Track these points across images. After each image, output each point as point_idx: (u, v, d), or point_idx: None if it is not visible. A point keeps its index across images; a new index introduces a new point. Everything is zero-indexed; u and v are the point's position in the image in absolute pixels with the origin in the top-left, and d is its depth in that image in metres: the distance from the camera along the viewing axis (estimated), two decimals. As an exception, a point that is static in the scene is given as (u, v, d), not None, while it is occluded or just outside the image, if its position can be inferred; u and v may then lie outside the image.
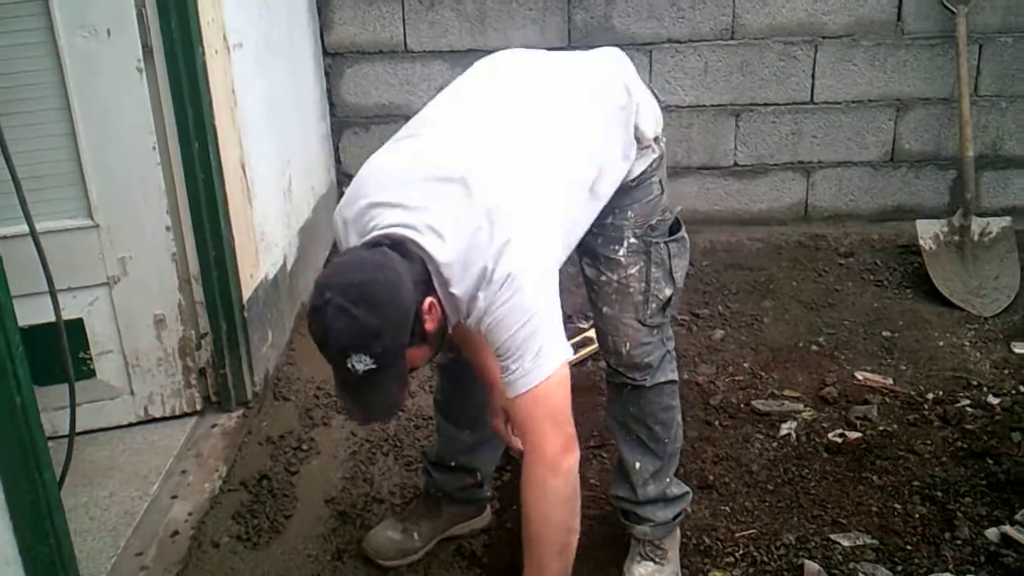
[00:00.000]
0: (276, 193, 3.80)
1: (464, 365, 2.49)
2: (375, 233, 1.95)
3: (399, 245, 1.90)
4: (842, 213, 4.94)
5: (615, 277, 2.35)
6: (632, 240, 2.33)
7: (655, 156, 2.33)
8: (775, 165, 4.89)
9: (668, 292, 2.36)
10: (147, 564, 2.57)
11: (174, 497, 2.86)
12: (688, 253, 2.42)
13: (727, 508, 2.86)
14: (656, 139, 2.32)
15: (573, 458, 2.02)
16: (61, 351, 2.34)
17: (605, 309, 2.38)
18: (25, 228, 2.22)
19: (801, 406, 3.36)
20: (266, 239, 3.58)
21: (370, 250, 1.90)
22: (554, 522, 2.07)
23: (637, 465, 2.52)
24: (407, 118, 2.27)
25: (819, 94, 4.76)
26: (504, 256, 1.90)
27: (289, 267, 3.93)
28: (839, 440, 3.14)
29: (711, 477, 2.99)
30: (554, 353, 1.96)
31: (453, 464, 2.70)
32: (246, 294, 3.29)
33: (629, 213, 2.32)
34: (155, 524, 2.73)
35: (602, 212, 2.28)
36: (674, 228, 2.40)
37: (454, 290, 1.94)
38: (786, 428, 3.23)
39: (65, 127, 2.84)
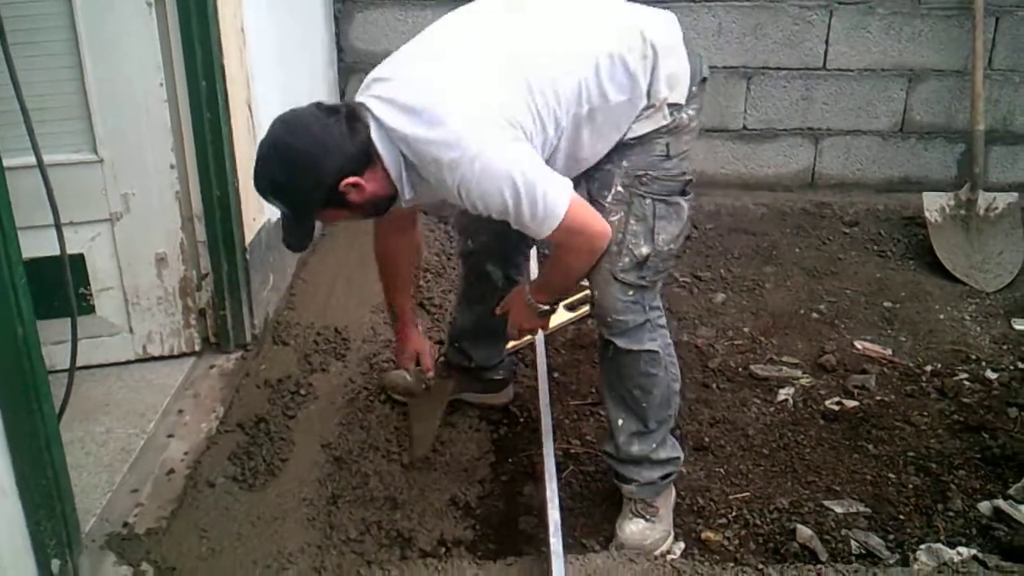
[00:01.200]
0: (282, 136, 3.75)
1: (482, 259, 2.84)
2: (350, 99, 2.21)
3: (354, 114, 2.14)
4: (849, 182, 4.92)
5: None
6: (619, 188, 2.35)
7: (665, 123, 2.31)
8: (784, 130, 4.85)
9: (644, 250, 2.34)
10: (142, 501, 2.58)
11: (170, 436, 2.86)
12: (681, 222, 2.39)
13: (721, 470, 2.87)
14: (672, 105, 2.30)
15: (607, 235, 2.29)
16: (64, 285, 2.33)
17: None
18: (29, 160, 2.20)
19: (799, 372, 3.36)
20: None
21: (319, 114, 2.13)
22: (578, 269, 2.40)
23: (620, 422, 2.53)
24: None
25: (832, 60, 4.72)
26: (460, 146, 2.07)
27: (292, 211, 3.90)
28: (836, 408, 3.15)
29: (707, 439, 3.00)
30: (558, 187, 2.15)
31: (456, 345, 3.05)
32: (248, 236, 3.28)
33: (624, 163, 2.34)
34: (151, 462, 2.73)
35: (601, 159, 2.37)
36: (673, 192, 2.38)
37: (414, 161, 2.16)
38: (783, 394, 3.23)
39: (72, 59, 2.80)
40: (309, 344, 3.44)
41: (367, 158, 2.15)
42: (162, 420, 2.92)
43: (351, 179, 2.13)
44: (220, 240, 3.14)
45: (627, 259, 2.34)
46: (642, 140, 2.33)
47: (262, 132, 2.17)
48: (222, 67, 3.00)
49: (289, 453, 2.86)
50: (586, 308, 3.56)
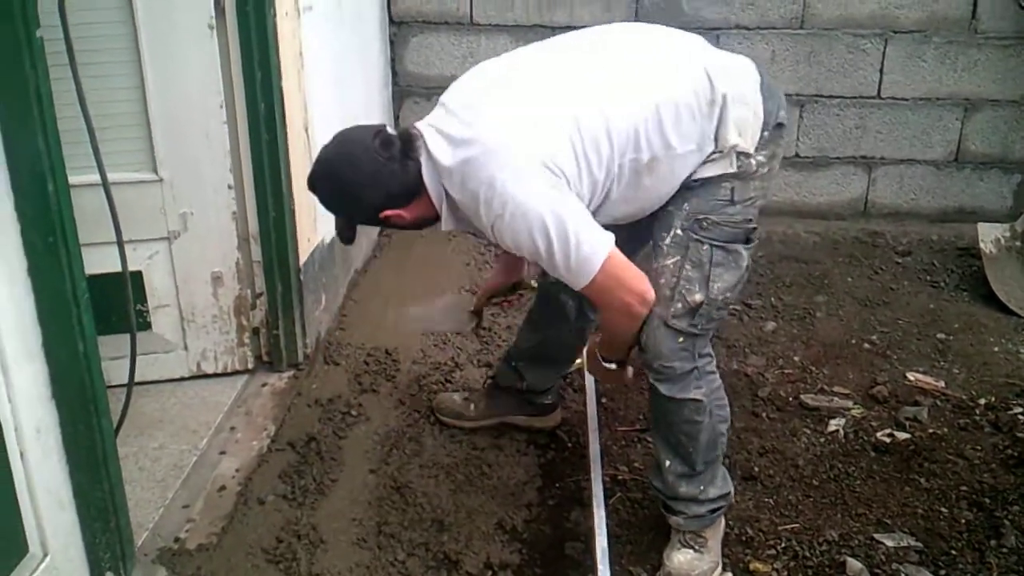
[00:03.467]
0: (336, 158, 3.80)
1: (558, 287, 2.75)
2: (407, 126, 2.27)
3: (408, 148, 2.20)
4: (902, 211, 4.88)
5: (656, 265, 2.34)
6: (678, 232, 2.31)
7: (732, 169, 2.27)
8: (837, 159, 4.84)
9: (698, 297, 2.29)
10: (193, 517, 2.61)
11: (222, 453, 2.89)
12: (739, 271, 2.34)
13: (771, 501, 2.85)
14: (740, 153, 2.25)
15: (649, 300, 2.24)
16: (125, 301, 2.38)
17: None
18: (91, 178, 2.25)
19: (850, 403, 3.33)
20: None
21: (374, 148, 2.20)
22: (622, 332, 2.36)
23: (667, 463, 2.51)
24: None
25: (886, 89, 4.70)
26: (494, 186, 2.09)
27: (345, 233, 3.95)
28: (887, 440, 3.11)
29: (756, 468, 2.98)
30: (596, 240, 2.12)
31: (513, 364, 3.06)
32: (302, 257, 3.32)
33: (686, 205, 2.30)
34: (203, 478, 2.77)
35: (667, 201, 2.33)
36: (734, 239, 2.33)
37: (454, 195, 2.20)
38: (834, 424, 3.20)
39: (135, 80, 2.86)
40: (360, 365, 3.47)
41: (414, 191, 2.24)
42: (214, 437, 2.96)
43: (390, 212, 2.26)
44: (275, 260, 3.19)
45: (679, 305, 2.30)
46: (707, 183, 2.29)
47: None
48: (281, 90, 3.05)
49: (339, 473, 2.88)
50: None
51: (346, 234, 2.42)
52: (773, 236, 4.67)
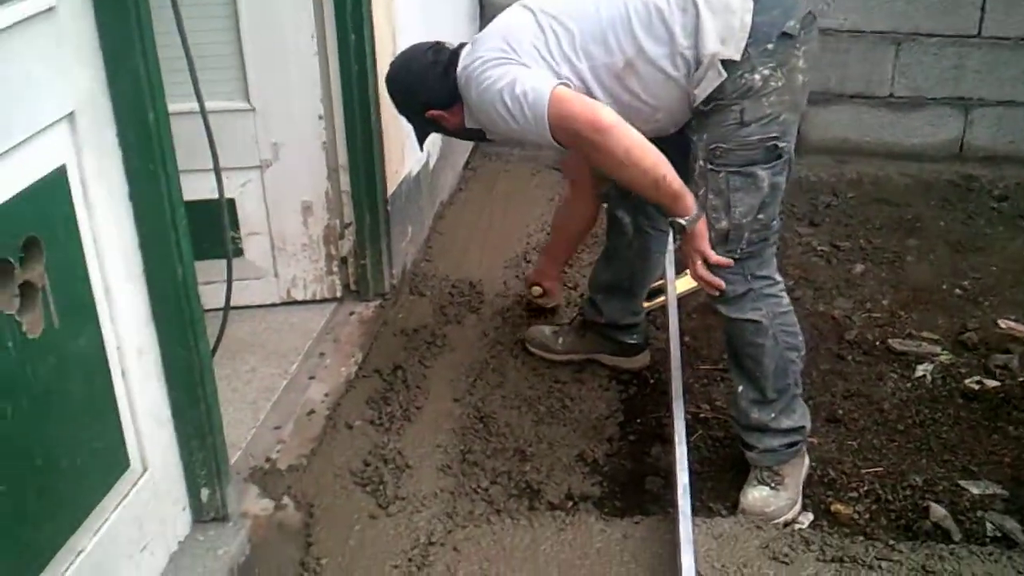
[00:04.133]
0: (424, 90, 3.81)
1: (613, 204, 2.97)
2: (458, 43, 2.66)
3: (453, 59, 2.55)
4: (999, 155, 4.74)
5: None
6: (700, 163, 2.35)
7: (722, 79, 2.24)
8: (933, 99, 4.70)
9: (724, 224, 2.34)
10: (284, 438, 2.68)
11: (311, 378, 2.95)
12: (759, 192, 2.32)
13: (854, 444, 2.83)
14: (726, 62, 2.23)
15: (604, 126, 2.26)
16: (221, 228, 2.43)
17: None
18: (187, 106, 2.28)
19: (939, 349, 3.28)
20: (413, 135, 3.60)
21: (426, 56, 2.65)
22: (629, 168, 2.30)
23: (740, 389, 2.56)
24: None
25: (987, 28, 4.54)
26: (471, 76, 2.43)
27: (432, 165, 3.97)
28: (976, 387, 3.06)
29: (840, 412, 2.96)
30: (538, 84, 2.29)
31: (592, 298, 3.15)
32: (390, 188, 3.35)
33: (704, 135, 2.33)
34: (293, 401, 2.83)
35: (690, 129, 2.38)
36: (750, 162, 2.31)
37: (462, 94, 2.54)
38: (921, 370, 3.16)
39: (228, 10, 2.89)
40: (444, 296, 3.51)
41: (452, 97, 2.56)
42: (304, 362, 3.02)
43: (434, 112, 2.63)
44: (363, 191, 3.21)
45: (712, 234, 2.35)
46: (717, 109, 2.29)
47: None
48: (371, 20, 3.05)
49: (424, 401, 2.93)
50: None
51: (417, 134, 2.83)
52: (864, 178, 4.57)
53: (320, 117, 3.08)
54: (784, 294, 2.51)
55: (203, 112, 2.27)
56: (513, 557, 2.35)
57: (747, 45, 2.23)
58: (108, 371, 1.87)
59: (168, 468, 2.11)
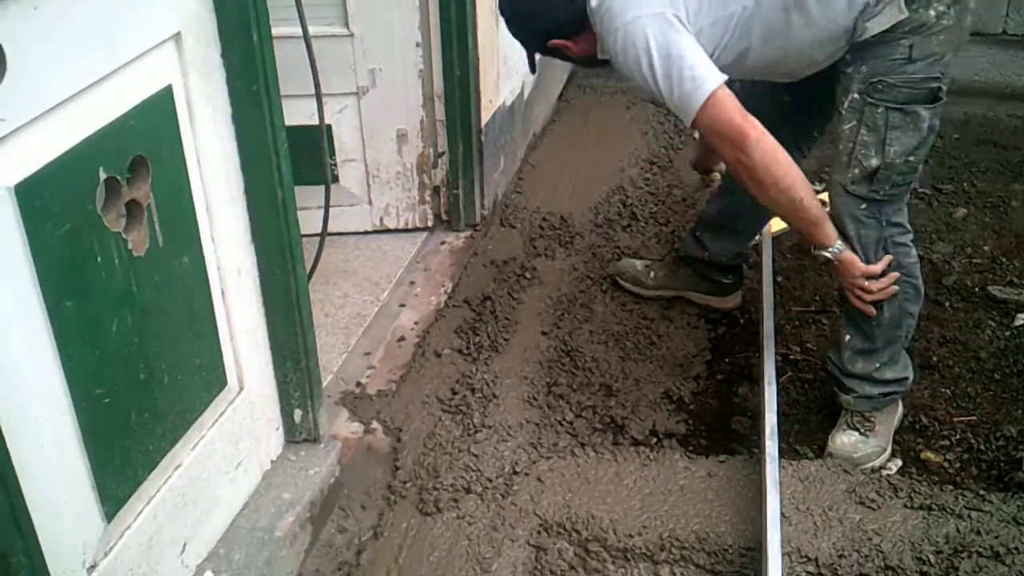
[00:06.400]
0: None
1: None
2: None
3: None
4: (1118, 98, 4.54)
5: (835, 129, 2.32)
6: (855, 96, 2.25)
7: (902, 16, 2.15)
8: (1049, 38, 4.51)
9: (874, 162, 2.25)
10: (374, 364, 2.73)
11: (402, 306, 3.00)
12: (919, 133, 2.24)
13: (948, 391, 2.78)
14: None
15: (751, 141, 2.19)
16: (321, 153, 2.45)
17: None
18: (288, 30, 2.29)
19: (1041, 298, 3.19)
20: (508, 64, 3.59)
21: None
22: (766, 186, 2.25)
23: (847, 337, 2.50)
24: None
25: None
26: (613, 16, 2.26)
27: (526, 96, 3.94)
28: (1078, 338, 2.97)
29: (935, 358, 2.90)
30: (700, 76, 2.18)
31: (697, 234, 3.07)
32: (484, 118, 3.34)
33: (864, 67, 2.23)
34: (383, 328, 2.88)
35: (843, 62, 2.28)
36: (913, 100, 2.22)
37: (596, 30, 2.37)
38: (1021, 318, 3.07)
39: (330, -65, 2.89)
40: (535, 229, 3.51)
41: (579, 26, 2.41)
42: (395, 290, 3.06)
43: (558, 41, 2.48)
44: (458, 120, 3.21)
45: (856, 171, 2.27)
46: (883, 41, 2.19)
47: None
48: (471, -52, 3.03)
49: (512, 333, 2.95)
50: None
51: (529, 60, 2.67)
52: (971, 118, 4.41)
53: (417, 44, 3.08)
54: (913, 244, 2.44)
55: (306, 36, 2.28)
56: (596, 490, 2.36)
57: None
58: (208, 290, 1.90)
59: (263, 388, 2.16)
